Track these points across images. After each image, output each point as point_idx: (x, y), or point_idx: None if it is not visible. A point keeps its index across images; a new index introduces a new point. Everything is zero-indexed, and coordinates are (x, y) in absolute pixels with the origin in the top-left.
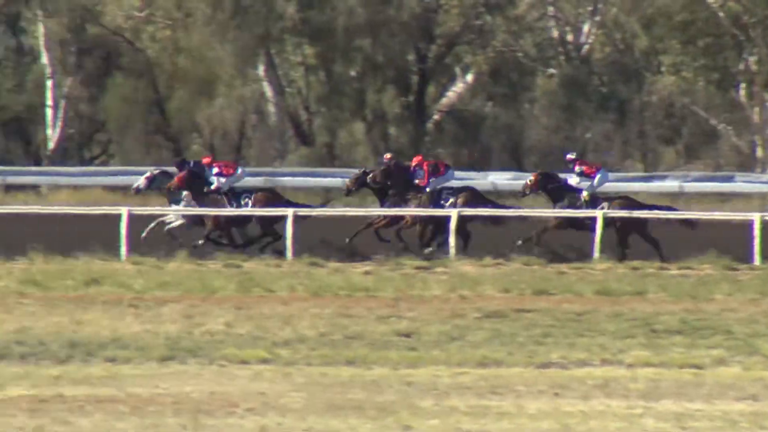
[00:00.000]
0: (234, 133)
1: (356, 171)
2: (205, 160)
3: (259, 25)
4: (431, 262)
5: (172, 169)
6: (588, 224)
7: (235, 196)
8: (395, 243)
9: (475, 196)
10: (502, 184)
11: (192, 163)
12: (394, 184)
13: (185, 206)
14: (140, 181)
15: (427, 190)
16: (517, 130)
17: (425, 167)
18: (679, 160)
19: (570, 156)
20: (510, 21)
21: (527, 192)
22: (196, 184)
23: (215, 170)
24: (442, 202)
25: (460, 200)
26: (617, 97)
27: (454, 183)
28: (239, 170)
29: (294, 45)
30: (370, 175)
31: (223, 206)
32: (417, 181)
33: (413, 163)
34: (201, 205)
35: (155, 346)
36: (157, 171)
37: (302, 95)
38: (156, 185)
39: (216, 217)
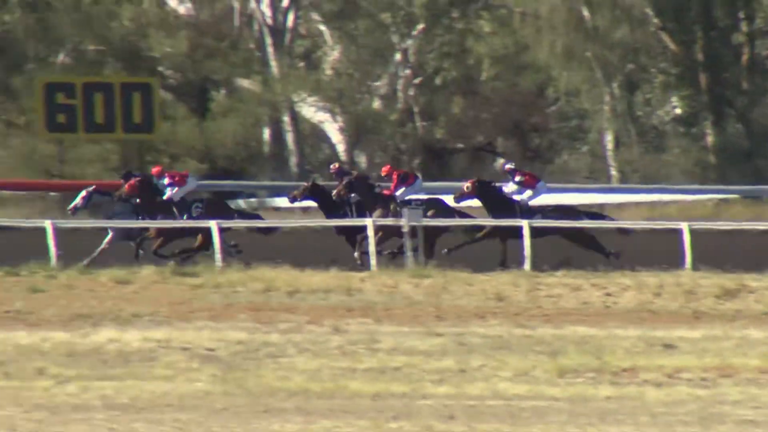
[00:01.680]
0: None
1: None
2: (155, 170)
3: None
4: None
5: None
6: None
7: (185, 206)
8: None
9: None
10: None
11: (137, 175)
12: (360, 197)
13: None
14: (77, 201)
15: (398, 199)
16: None
17: (394, 177)
18: None
19: (509, 166)
20: None
21: (463, 198)
22: (147, 193)
23: (166, 180)
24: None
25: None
26: None
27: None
28: (190, 180)
29: None
30: (334, 192)
31: (173, 217)
32: (381, 191)
33: (383, 173)
34: (151, 216)
35: None
36: (92, 189)
37: None
38: (92, 203)
39: (159, 230)
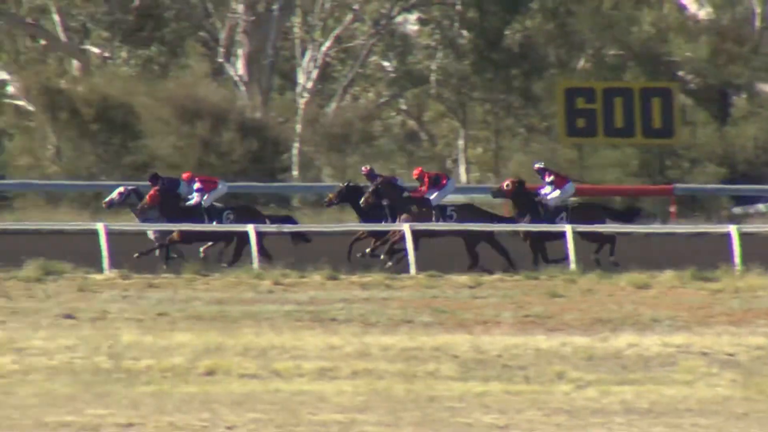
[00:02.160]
0: None
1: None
2: (185, 176)
3: None
4: None
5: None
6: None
7: (216, 212)
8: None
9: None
10: None
11: (164, 179)
12: (388, 201)
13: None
14: (113, 195)
15: (432, 203)
16: None
17: (426, 179)
18: None
19: (538, 165)
20: None
21: (499, 195)
22: (167, 201)
23: (197, 185)
24: (448, 219)
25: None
26: None
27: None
28: (221, 185)
29: None
30: (362, 200)
31: (201, 222)
32: (408, 193)
33: (414, 176)
34: (175, 221)
35: None
36: (132, 188)
37: None
38: (129, 201)
39: (181, 232)
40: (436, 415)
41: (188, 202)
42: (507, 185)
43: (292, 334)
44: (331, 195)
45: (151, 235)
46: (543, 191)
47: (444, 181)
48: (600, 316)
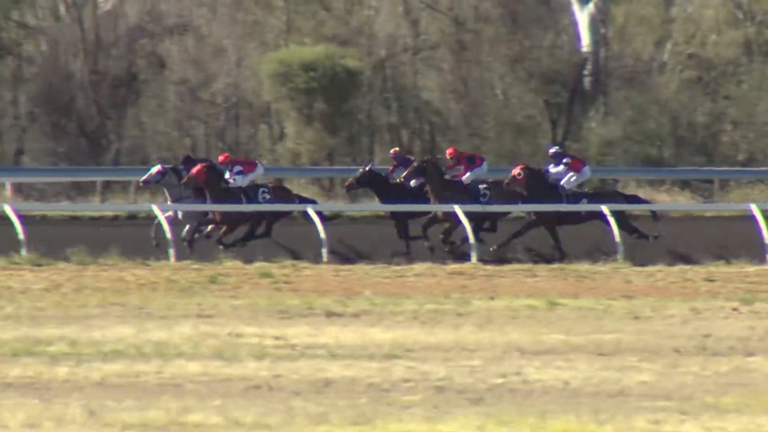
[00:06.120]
0: None
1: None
2: (221, 158)
3: None
4: None
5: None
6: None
7: (252, 190)
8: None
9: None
10: None
11: (198, 161)
12: (428, 182)
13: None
14: (151, 172)
15: (465, 182)
16: None
17: (463, 160)
18: None
19: (553, 149)
20: None
21: (513, 187)
22: (214, 180)
23: (237, 168)
24: (481, 198)
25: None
26: None
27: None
28: (259, 167)
29: None
30: (404, 173)
31: (240, 202)
32: (449, 176)
33: (448, 155)
34: (217, 202)
35: None
36: (170, 167)
37: None
38: (165, 181)
39: (226, 216)
40: None
41: (232, 184)
42: (518, 174)
43: None
44: (351, 179)
45: (180, 215)
46: (552, 170)
47: (478, 162)
48: None
